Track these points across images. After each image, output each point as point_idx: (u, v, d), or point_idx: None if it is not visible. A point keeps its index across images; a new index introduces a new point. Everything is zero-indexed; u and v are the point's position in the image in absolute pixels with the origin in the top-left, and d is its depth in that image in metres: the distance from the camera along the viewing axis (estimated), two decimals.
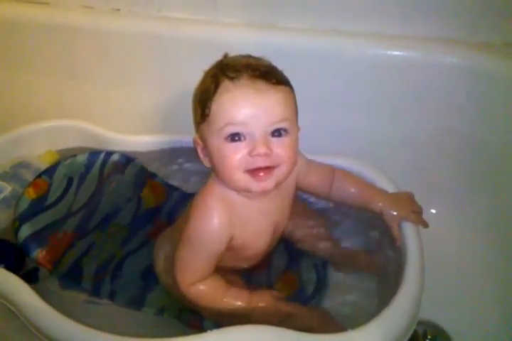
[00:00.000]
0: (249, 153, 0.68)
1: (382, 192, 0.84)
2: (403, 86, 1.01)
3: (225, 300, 0.78)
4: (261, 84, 0.68)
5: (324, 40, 1.03)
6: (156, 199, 1.07)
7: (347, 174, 0.88)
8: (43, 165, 1.02)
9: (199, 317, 0.84)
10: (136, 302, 0.90)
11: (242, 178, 0.70)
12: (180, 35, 1.10)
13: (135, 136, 1.08)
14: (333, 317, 0.81)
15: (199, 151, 0.76)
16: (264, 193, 0.74)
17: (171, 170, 1.09)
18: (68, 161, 1.02)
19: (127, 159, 1.05)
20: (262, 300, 0.79)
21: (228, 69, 0.69)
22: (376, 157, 0.94)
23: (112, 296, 0.90)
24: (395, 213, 0.80)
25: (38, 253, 0.88)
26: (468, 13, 0.96)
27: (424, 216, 0.81)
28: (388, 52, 1.00)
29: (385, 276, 0.84)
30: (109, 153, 1.05)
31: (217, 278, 0.80)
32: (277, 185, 0.72)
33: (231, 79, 0.68)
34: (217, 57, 0.76)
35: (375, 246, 0.90)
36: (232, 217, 0.75)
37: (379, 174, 0.88)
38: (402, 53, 0.99)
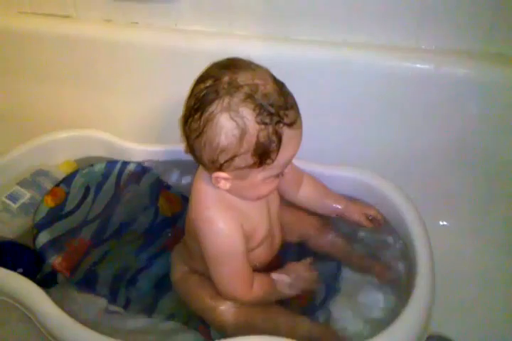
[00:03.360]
0: (280, 175, 0.73)
1: (343, 197, 0.94)
2: (415, 98, 1.01)
3: (273, 290, 0.83)
4: (300, 120, 0.69)
5: (336, 52, 1.03)
6: (172, 208, 1.08)
7: (312, 179, 0.94)
8: (62, 174, 1.05)
9: (207, 325, 0.85)
10: (147, 310, 0.91)
11: None
12: (197, 47, 1.12)
13: (153, 146, 1.11)
14: (337, 333, 0.82)
15: (221, 182, 0.72)
16: None
17: (186, 180, 1.11)
18: (86, 170, 1.05)
19: (143, 169, 1.07)
20: (294, 268, 0.86)
21: (277, 113, 0.64)
22: (386, 168, 0.95)
23: (126, 306, 0.91)
24: (356, 210, 0.92)
25: (55, 260, 0.91)
26: (481, 25, 0.95)
27: (433, 228, 0.82)
28: (400, 64, 0.99)
29: (397, 286, 0.84)
30: (126, 163, 1.07)
31: (258, 278, 0.82)
32: None
33: (290, 126, 0.66)
34: None
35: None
36: (233, 211, 0.77)
37: (389, 185, 0.89)
38: (414, 65, 0.99)
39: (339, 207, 0.93)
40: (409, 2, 0.96)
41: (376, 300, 0.84)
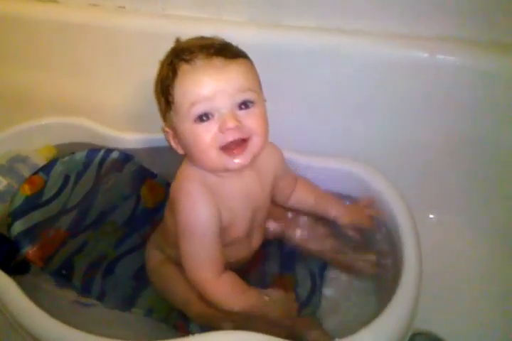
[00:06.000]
0: (220, 130, 0.68)
1: (337, 202, 0.90)
2: (410, 86, 0.97)
3: (243, 296, 0.76)
4: (218, 61, 0.68)
5: (329, 39, 1.00)
6: (154, 199, 1.05)
7: (307, 184, 0.91)
8: (41, 159, 1.02)
9: (186, 320, 0.82)
10: (127, 303, 0.88)
11: (217, 157, 0.70)
12: (185, 33, 1.08)
13: (137, 134, 1.07)
14: (321, 326, 0.79)
15: (170, 140, 0.77)
16: (241, 169, 0.73)
17: (172, 169, 1.08)
18: (66, 158, 1.01)
19: (126, 157, 1.04)
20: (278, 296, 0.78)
21: (183, 53, 0.70)
22: (380, 159, 0.91)
23: (101, 297, 0.88)
24: (347, 220, 0.87)
25: (29, 250, 0.87)
26: (478, 12, 0.92)
27: (422, 221, 0.78)
28: (395, 52, 0.96)
29: (383, 282, 0.81)
30: (109, 151, 1.04)
31: (232, 274, 0.77)
32: (253, 158, 0.71)
33: (187, 61, 0.68)
34: None
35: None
36: (213, 194, 0.74)
37: (378, 176, 0.85)
38: (409, 53, 0.95)
39: (330, 216, 0.90)
40: None
41: (362, 297, 0.81)
